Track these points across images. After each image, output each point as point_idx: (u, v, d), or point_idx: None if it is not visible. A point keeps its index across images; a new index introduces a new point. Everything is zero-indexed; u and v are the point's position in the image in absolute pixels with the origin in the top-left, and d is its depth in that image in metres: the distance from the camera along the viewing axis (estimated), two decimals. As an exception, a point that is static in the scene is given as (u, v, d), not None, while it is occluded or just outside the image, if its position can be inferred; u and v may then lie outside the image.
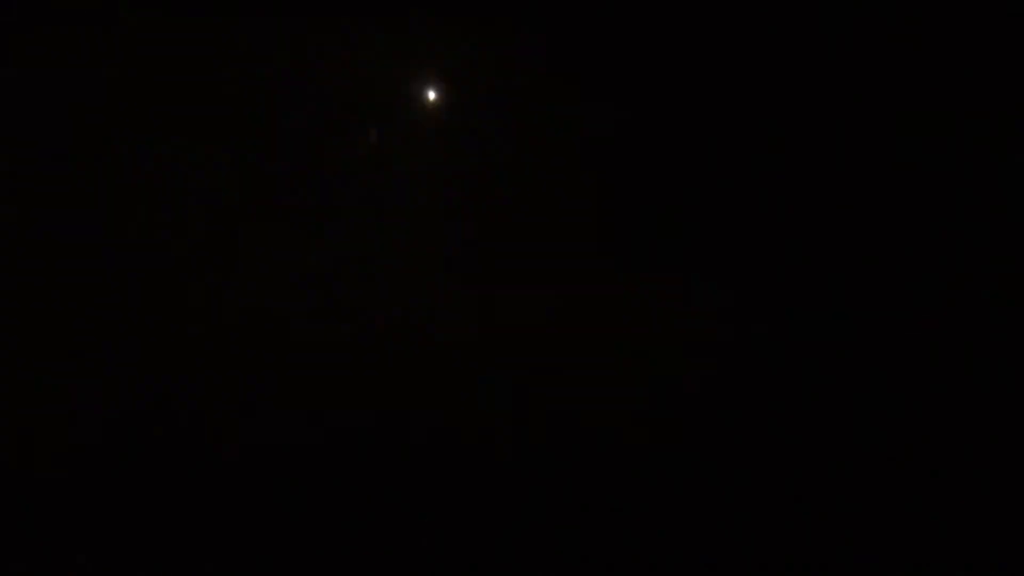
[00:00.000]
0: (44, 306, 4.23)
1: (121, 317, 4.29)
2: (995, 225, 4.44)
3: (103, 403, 3.95)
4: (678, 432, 4.04)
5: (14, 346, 4.09)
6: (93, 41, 4.44)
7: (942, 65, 4.50)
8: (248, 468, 3.74)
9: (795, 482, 3.77)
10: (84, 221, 4.42)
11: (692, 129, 4.69)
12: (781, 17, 4.60)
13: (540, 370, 4.31)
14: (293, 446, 3.88)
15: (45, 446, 3.74)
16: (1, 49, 4.36)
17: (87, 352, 4.14)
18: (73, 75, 4.42)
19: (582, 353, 4.42)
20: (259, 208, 4.58)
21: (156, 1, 4.49)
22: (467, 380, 4.26)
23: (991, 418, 4.01)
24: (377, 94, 4.68)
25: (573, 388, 4.25)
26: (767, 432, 4.02)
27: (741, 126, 4.66)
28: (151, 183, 4.51)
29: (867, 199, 4.59)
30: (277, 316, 4.43)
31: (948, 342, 4.30)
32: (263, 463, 3.77)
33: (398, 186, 4.72)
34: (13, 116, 4.38)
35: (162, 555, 3.32)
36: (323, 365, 4.27)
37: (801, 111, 4.63)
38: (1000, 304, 4.34)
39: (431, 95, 4.69)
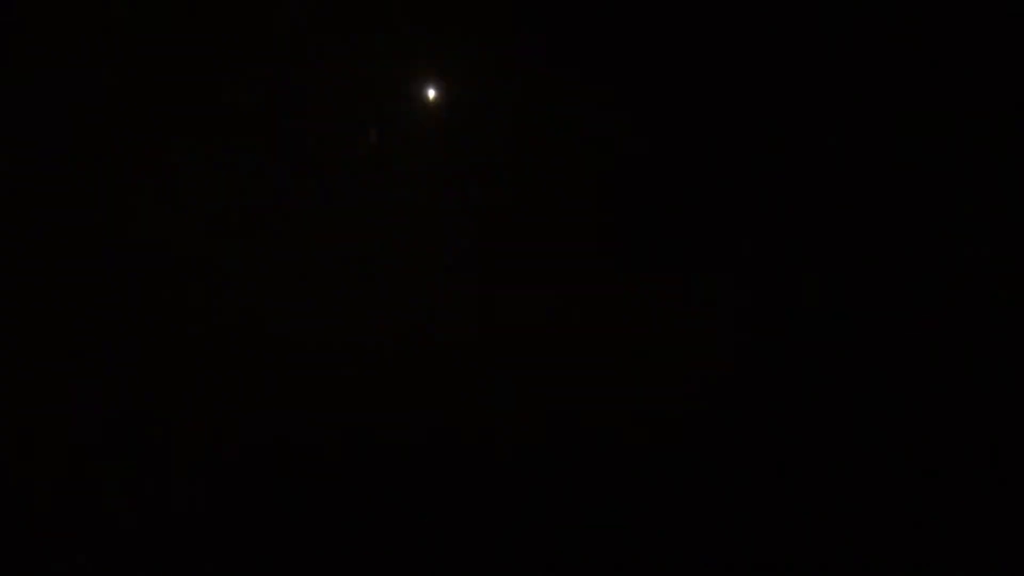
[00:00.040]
0: (44, 306, 4.23)
1: (121, 317, 4.29)
2: (995, 225, 4.44)
3: (103, 403, 3.94)
4: (679, 432, 4.04)
5: (14, 346, 4.09)
6: (93, 41, 4.44)
7: (942, 65, 4.50)
8: (248, 468, 3.73)
9: (795, 482, 3.76)
10: (84, 221, 4.42)
11: (693, 128, 4.68)
12: (781, 17, 4.60)
13: (540, 370, 4.31)
14: (293, 446, 3.87)
15: (45, 446, 3.74)
16: (1, 49, 4.36)
17: (87, 352, 4.14)
18: (73, 75, 4.42)
19: (582, 353, 4.41)
20: (259, 208, 4.58)
21: (156, 1, 4.49)
22: (467, 380, 4.26)
23: (992, 418, 4.01)
24: (377, 93, 4.68)
25: (573, 388, 4.25)
26: (768, 432, 4.02)
27: (742, 125, 4.66)
28: (151, 183, 4.51)
29: (867, 199, 4.58)
30: (277, 316, 4.43)
31: (948, 342, 4.29)
32: (263, 463, 3.77)
33: (398, 186, 4.72)
34: (13, 116, 4.38)
35: (162, 555, 3.32)
36: (323, 365, 4.27)
37: (801, 111, 4.62)
38: (1001, 304, 4.33)
39: (431, 94, 4.69)
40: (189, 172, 4.53)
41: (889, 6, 4.51)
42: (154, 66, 4.48)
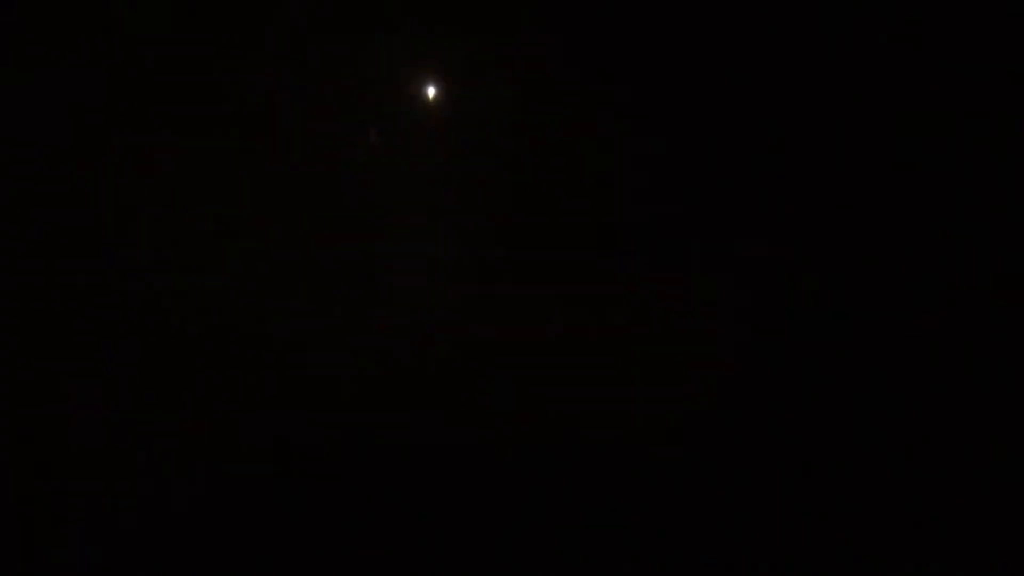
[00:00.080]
0: (44, 306, 4.23)
1: (121, 317, 4.29)
2: (995, 225, 4.44)
3: (103, 403, 3.94)
4: (679, 432, 4.03)
5: (14, 346, 4.09)
6: (93, 41, 4.44)
7: (942, 65, 4.50)
8: (247, 468, 3.73)
9: (795, 483, 3.76)
10: (84, 221, 4.42)
11: (693, 128, 4.68)
12: (781, 17, 4.60)
13: (540, 370, 4.31)
14: (292, 447, 3.87)
15: (45, 446, 3.74)
16: (1, 49, 4.36)
17: (87, 352, 4.14)
18: (73, 75, 4.42)
19: (582, 353, 4.41)
20: (259, 208, 4.58)
21: (156, 1, 4.49)
22: (467, 379, 4.26)
23: (992, 418, 4.01)
24: (377, 92, 4.68)
25: (573, 388, 4.25)
26: (769, 433, 4.02)
27: (742, 125, 4.66)
28: (151, 183, 4.51)
29: (867, 199, 4.58)
30: (277, 316, 4.43)
31: (948, 342, 4.29)
32: (263, 463, 3.77)
33: (398, 186, 4.72)
34: (13, 116, 4.38)
35: (162, 555, 3.32)
36: (323, 365, 4.27)
37: (801, 112, 4.63)
38: (1001, 304, 4.33)
39: (431, 94, 4.69)
40: (189, 172, 4.54)
41: (889, 6, 4.51)
42: (153, 66, 4.48)
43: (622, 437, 4.00)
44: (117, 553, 3.30)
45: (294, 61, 4.57)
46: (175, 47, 4.49)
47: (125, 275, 4.38)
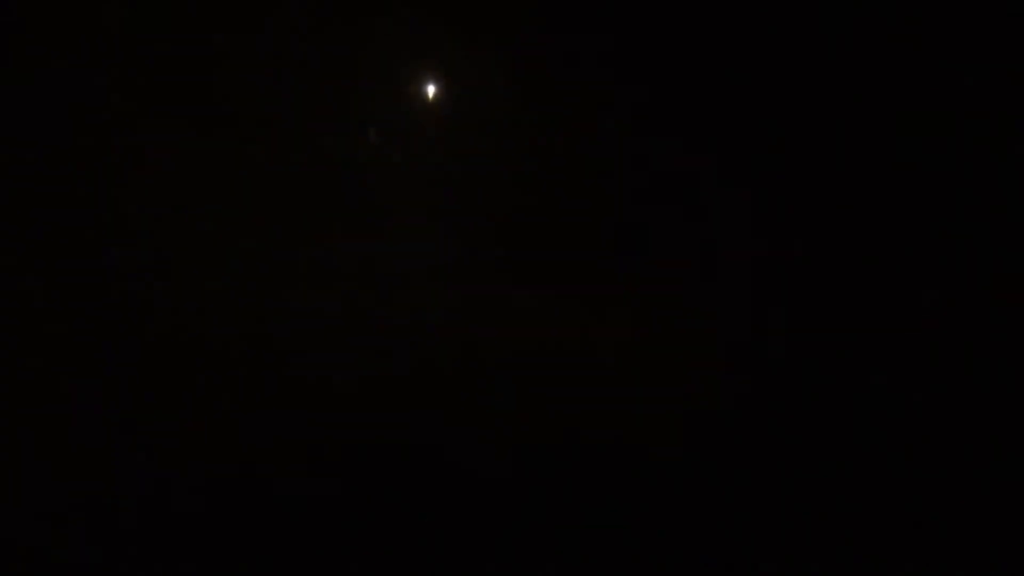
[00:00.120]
0: (44, 306, 4.23)
1: (121, 317, 4.29)
2: (995, 225, 4.44)
3: (103, 403, 3.94)
4: (679, 433, 4.03)
5: (14, 346, 4.09)
6: (93, 41, 4.44)
7: (942, 65, 4.50)
8: (247, 468, 3.73)
9: (795, 483, 3.76)
10: (84, 221, 4.42)
11: (694, 128, 4.68)
12: (782, 17, 4.59)
13: (540, 370, 4.31)
14: (292, 446, 3.87)
15: (45, 446, 3.74)
16: (1, 49, 4.36)
17: (87, 352, 4.14)
18: (73, 75, 4.42)
19: (582, 353, 4.41)
20: (259, 208, 4.58)
21: (156, 1, 4.49)
22: (467, 379, 4.26)
23: (992, 418, 4.01)
24: (377, 92, 4.68)
25: (572, 388, 4.25)
26: (769, 433, 4.02)
27: (742, 125, 4.66)
28: (151, 183, 4.51)
29: (868, 200, 4.58)
30: (277, 316, 4.43)
31: (947, 342, 4.29)
32: (263, 463, 3.77)
33: (398, 185, 4.72)
34: (13, 116, 4.38)
35: (162, 555, 3.32)
36: (323, 365, 4.27)
37: (801, 112, 4.63)
38: (1001, 304, 4.33)
39: (431, 93, 4.69)
40: (189, 172, 4.54)
41: (889, 6, 4.51)
42: (153, 66, 4.48)
43: (622, 437, 4.00)
44: (117, 553, 3.30)
45: (294, 61, 4.57)
46: (175, 47, 4.49)
47: (125, 275, 4.38)
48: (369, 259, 4.62)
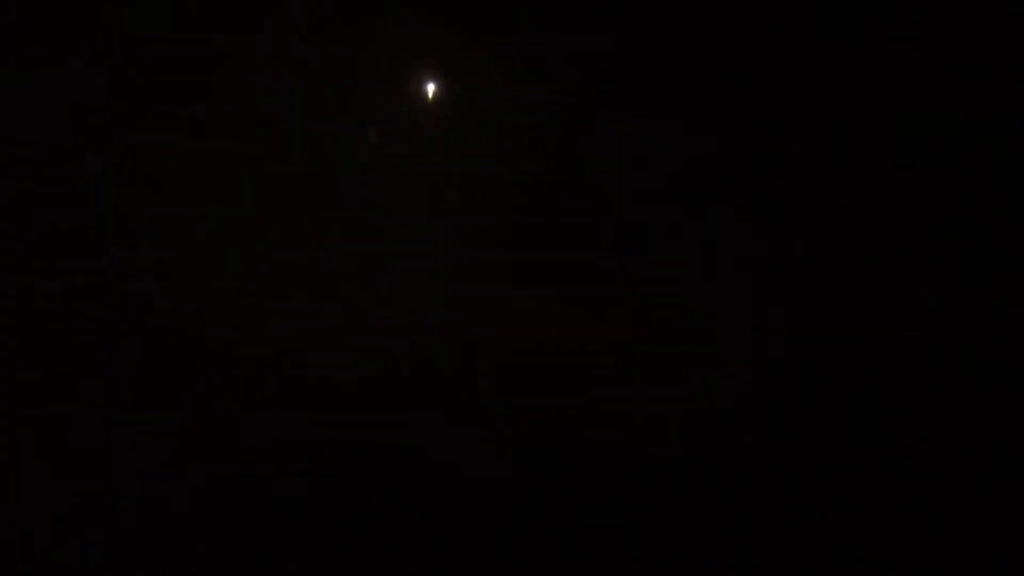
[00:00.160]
0: (44, 306, 4.23)
1: (121, 317, 4.29)
2: (995, 225, 4.44)
3: (103, 403, 3.94)
4: (679, 433, 4.03)
5: (14, 346, 4.09)
6: (93, 41, 4.44)
7: (942, 65, 4.50)
8: (247, 468, 3.73)
9: (796, 483, 3.76)
10: (84, 221, 4.42)
11: (694, 128, 4.68)
12: (782, 16, 4.59)
13: (540, 370, 4.31)
14: (292, 446, 3.87)
15: (45, 446, 3.74)
16: (1, 49, 4.36)
17: (87, 352, 4.14)
18: (73, 75, 4.42)
19: (582, 353, 4.41)
20: (259, 208, 4.58)
21: (156, 1, 4.49)
22: (466, 379, 4.26)
23: (992, 418, 4.01)
24: (377, 92, 4.68)
25: (572, 388, 4.24)
26: (769, 433, 4.02)
27: (743, 125, 4.66)
28: (150, 183, 4.51)
29: (868, 200, 4.58)
30: (277, 316, 4.43)
31: (947, 342, 4.29)
32: (263, 463, 3.77)
33: (398, 185, 4.72)
34: (13, 116, 4.38)
35: (162, 555, 3.32)
36: (323, 365, 4.27)
37: (801, 112, 4.62)
38: (1001, 304, 4.33)
39: (431, 92, 4.69)
40: (188, 172, 4.54)
41: (889, 6, 4.51)
42: (153, 66, 4.48)
43: (622, 437, 4.00)
44: (117, 553, 3.30)
45: (294, 61, 4.57)
46: (175, 47, 4.49)
47: (125, 275, 4.38)
48: (369, 259, 4.62)
